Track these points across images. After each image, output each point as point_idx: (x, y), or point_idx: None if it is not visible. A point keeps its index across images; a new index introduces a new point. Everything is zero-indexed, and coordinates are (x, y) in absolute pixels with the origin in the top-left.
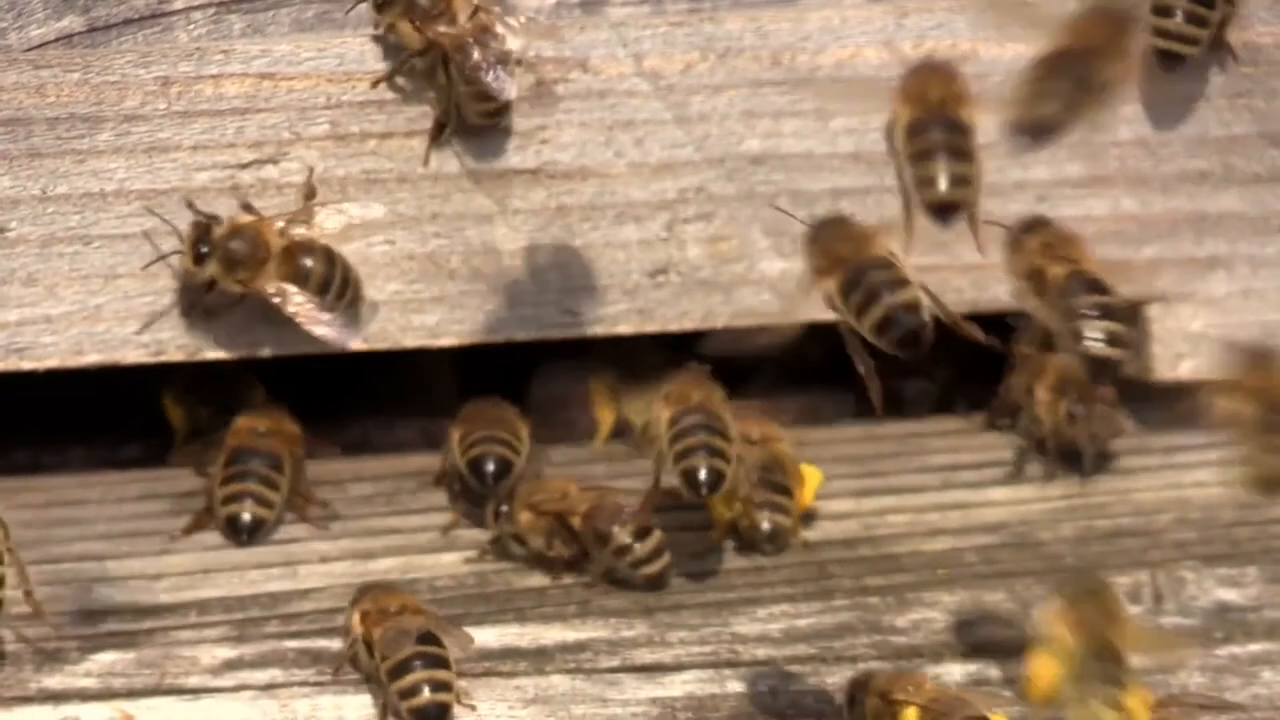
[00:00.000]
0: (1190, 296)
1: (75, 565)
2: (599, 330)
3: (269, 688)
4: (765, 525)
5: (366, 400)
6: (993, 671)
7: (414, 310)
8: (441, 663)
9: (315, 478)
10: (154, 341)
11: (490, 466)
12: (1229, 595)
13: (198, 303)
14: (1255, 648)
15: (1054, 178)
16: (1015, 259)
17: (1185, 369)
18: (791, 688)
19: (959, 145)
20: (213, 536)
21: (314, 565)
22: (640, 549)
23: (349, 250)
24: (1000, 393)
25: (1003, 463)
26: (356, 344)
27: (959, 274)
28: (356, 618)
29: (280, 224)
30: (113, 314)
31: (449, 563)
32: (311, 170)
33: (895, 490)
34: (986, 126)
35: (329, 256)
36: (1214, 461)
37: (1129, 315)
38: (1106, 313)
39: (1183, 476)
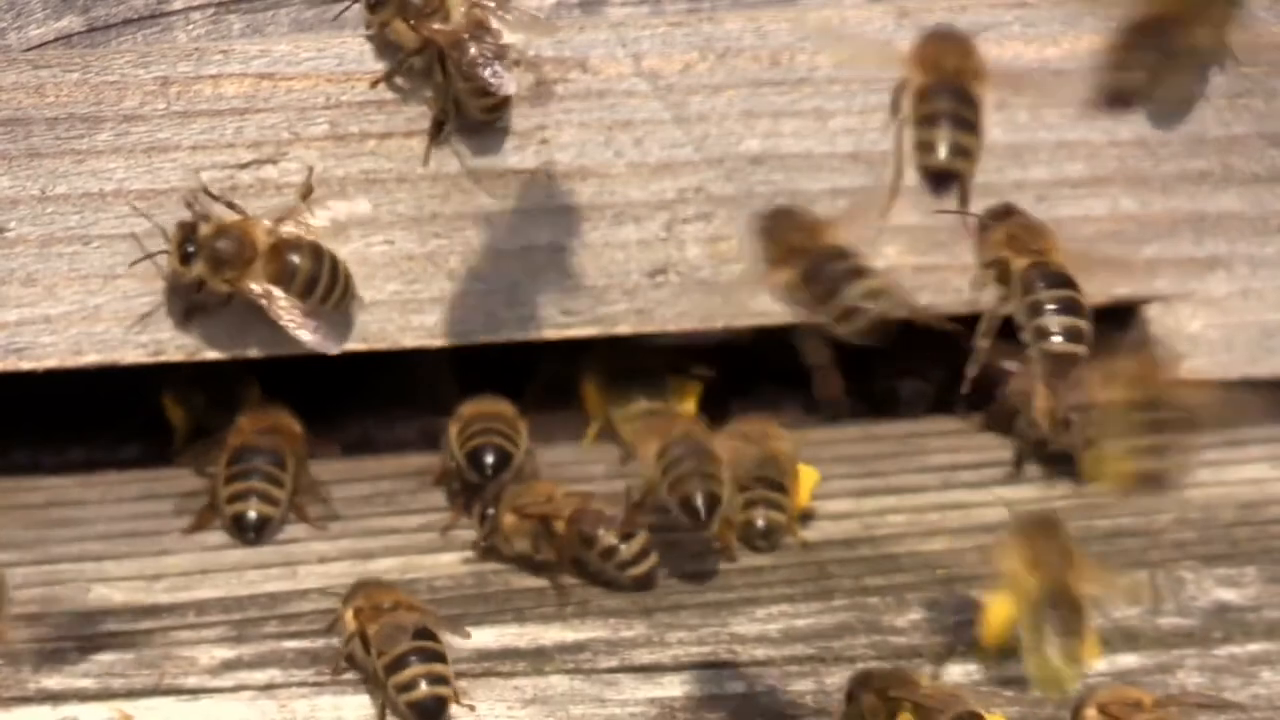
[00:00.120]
0: (1189, 296)
1: (74, 565)
2: (598, 330)
3: (268, 688)
4: (760, 522)
5: (367, 399)
6: (991, 671)
7: (413, 310)
8: (438, 657)
9: (315, 478)
10: (153, 341)
11: (489, 458)
12: (1228, 595)
13: (187, 302)
14: (1254, 648)
15: (1053, 178)
16: (981, 248)
17: (1184, 369)
18: (790, 688)
19: (965, 116)
20: (212, 536)
21: (313, 566)
22: (626, 550)
23: (348, 251)
24: (998, 396)
25: (1002, 463)
26: (339, 349)
27: (958, 273)
28: (350, 614)
29: (267, 223)
30: (112, 314)
31: (448, 563)
32: (311, 170)
33: (895, 490)
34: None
35: (316, 253)
36: (1213, 462)
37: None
38: (1068, 308)
39: None
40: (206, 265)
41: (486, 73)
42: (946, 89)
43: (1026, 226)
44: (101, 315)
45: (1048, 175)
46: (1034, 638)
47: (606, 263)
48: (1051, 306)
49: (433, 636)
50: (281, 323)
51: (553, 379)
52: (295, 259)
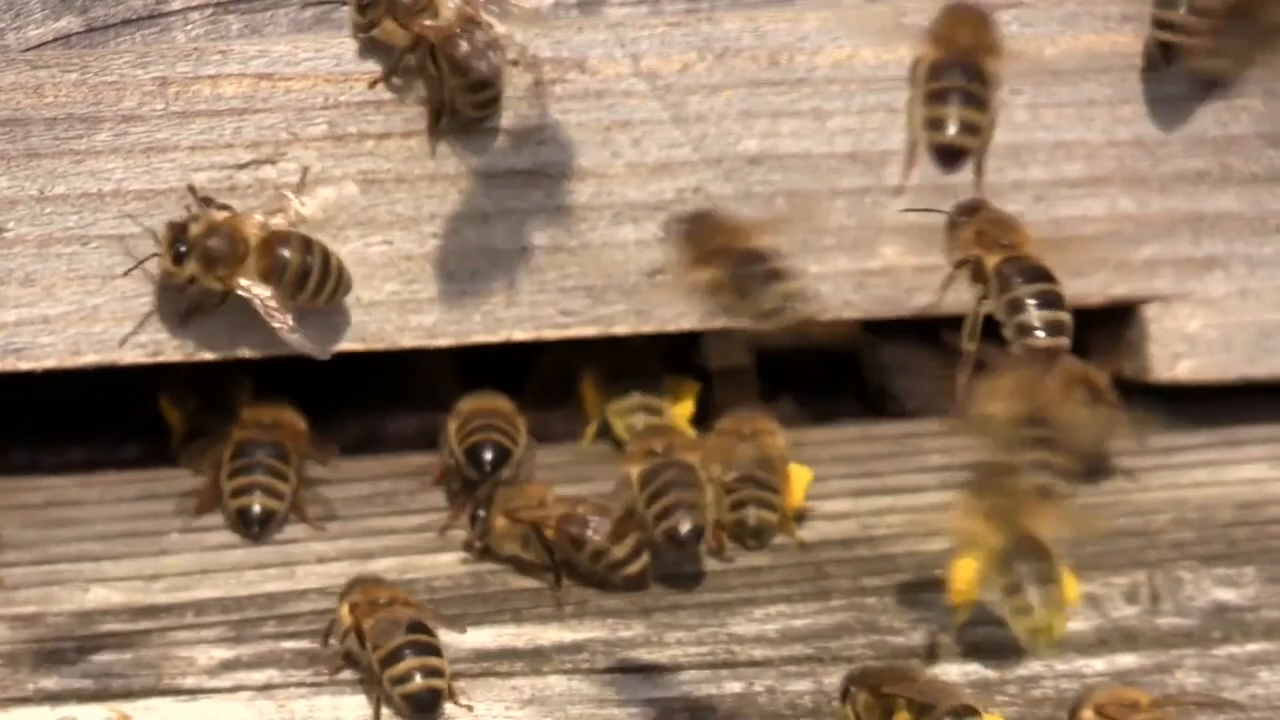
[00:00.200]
0: (1188, 296)
1: (73, 565)
2: (596, 330)
3: (266, 688)
4: (751, 521)
5: (368, 397)
6: (990, 672)
7: (411, 310)
8: (433, 651)
9: (314, 478)
10: (151, 342)
11: (488, 454)
12: (1227, 595)
13: (186, 303)
14: (1253, 647)
15: (1052, 178)
16: (951, 247)
17: (1183, 369)
18: (788, 688)
19: (975, 93)
20: (211, 536)
21: (311, 566)
22: (618, 551)
23: (347, 251)
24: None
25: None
26: (327, 353)
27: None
28: (345, 609)
29: (258, 218)
30: (110, 314)
31: (446, 563)
32: (306, 169)
33: (892, 490)
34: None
35: (306, 245)
36: (1211, 462)
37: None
38: (1047, 302)
39: (1180, 477)
40: (199, 264)
41: (480, 64)
42: (958, 65)
43: (995, 221)
44: (100, 315)
45: (1046, 175)
46: (1012, 598)
47: (605, 263)
48: (1031, 302)
49: (427, 631)
50: (272, 324)
51: (551, 377)
52: (286, 253)
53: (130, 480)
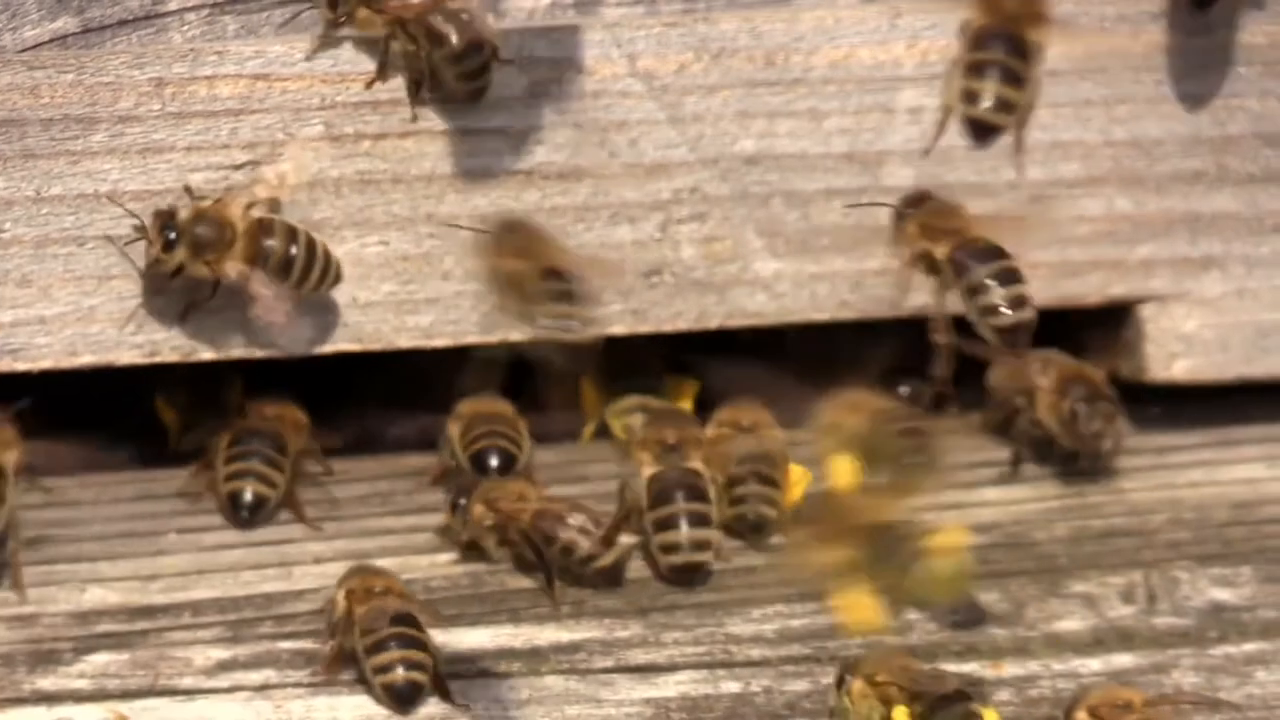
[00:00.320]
0: (1184, 296)
1: (70, 565)
2: (593, 331)
3: (263, 688)
4: (750, 516)
5: (367, 396)
6: (988, 671)
7: (408, 311)
8: (417, 644)
9: (311, 477)
10: (148, 342)
11: (494, 460)
12: (1223, 595)
13: (176, 300)
14: (1250, 647)
15: (1049, 178)
16: (900, 246)
17: (1179, 369)
18: (786, 688)
19: (1014, 69)
20: (208, 536)
21: (308, 566)
22: (585, 544)
23: (343, 252)
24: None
25: (997, 463)
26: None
27: None
28: (342, 595)
29: (243, 202)
30: (107, 315)
31: (444, 563)
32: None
33: None
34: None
35: (291, 232)
36: (1207, 462)
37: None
38: (1004, 278)
39: (1176, 477)
40: (187, 250)
41: (459, 32)
42: (1003, 36)
43: (936, 211)
44: (96, 316)
45: (1043, 175)
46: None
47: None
48: (990, 282)
49: (415, 624)
50: (264, 319)
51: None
52: (271, 242)
53: (127, 480)
